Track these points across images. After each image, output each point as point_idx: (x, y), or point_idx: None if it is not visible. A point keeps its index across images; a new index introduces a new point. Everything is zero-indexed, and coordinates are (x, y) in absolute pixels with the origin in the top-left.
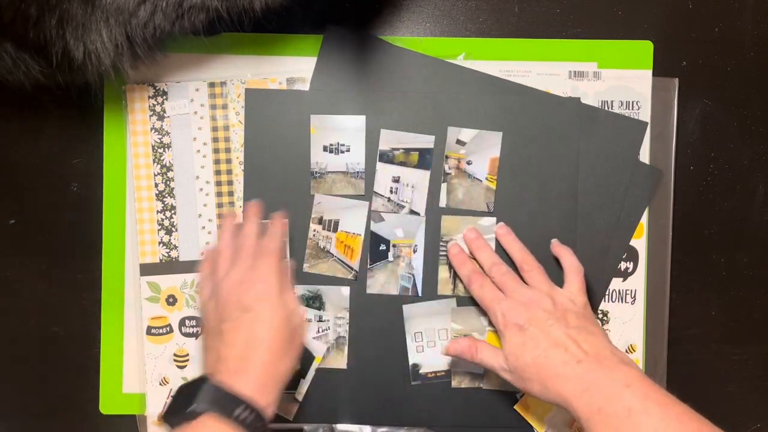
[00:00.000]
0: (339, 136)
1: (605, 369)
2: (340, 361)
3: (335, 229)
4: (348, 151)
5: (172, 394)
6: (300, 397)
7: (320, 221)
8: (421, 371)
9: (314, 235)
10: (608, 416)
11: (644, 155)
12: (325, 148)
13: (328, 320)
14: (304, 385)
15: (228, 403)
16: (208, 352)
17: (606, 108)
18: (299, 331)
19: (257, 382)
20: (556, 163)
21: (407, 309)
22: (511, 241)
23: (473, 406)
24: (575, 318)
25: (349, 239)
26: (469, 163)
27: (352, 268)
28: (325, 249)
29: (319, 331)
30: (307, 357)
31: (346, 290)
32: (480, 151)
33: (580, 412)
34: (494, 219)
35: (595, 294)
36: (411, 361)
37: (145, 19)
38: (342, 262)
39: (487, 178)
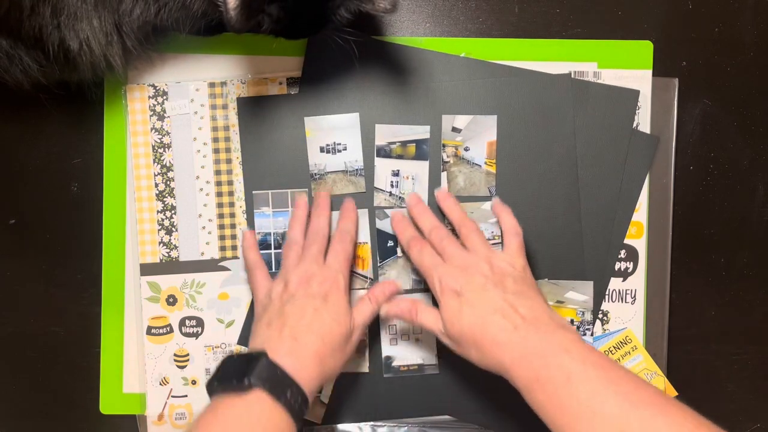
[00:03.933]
0: (334, 136)
1: (543, 334)
2: (362, 365)
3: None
4: (345, 149)
5: (219, 362)
6: (326, 399)
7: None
8: (393, 364)
9: None
10: (546, 383)
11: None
12: (321, 149)
13: None
14: (329, 387)
15: (281, 384)
16: (263, 328)
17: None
18: (355, 337)
19: (307, 369)
20: (553, 141)
21: None
22: (451, 205)
23: (454, 397)
24: (513, 283)
25: (357, 249)
26: (466, 149)
27: (367, 277)
28: None
29: None
30: None
31: (363, 294)
32: (476, 136)
33: (518, 380)
34: (490, 203)
35: (604, 269)
36: (384, 354)
37: (130, 5)
38: (356, 273)
39: (486, 163)
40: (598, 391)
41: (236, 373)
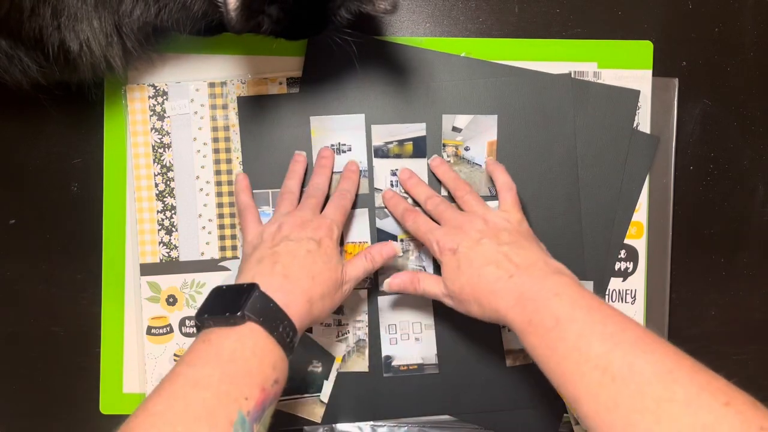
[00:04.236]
0: (340, 136)
1: (536, 279)
2: (361, 364)
3: (342, 243)
4: (350, 150)
5: (208, 294)
6: (325, 399)
7: None
8: (393, 364)
9: None
10: (537, 327)
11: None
12: None
13: (347, 324)
14: (328, 386)
15: (274, 318)
16: (253, 264)
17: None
18: (346, 288)
19: (297, 306)
20: (553, 141)
21: (382, 301)
22: (445, 171)
23: (454, 397)
24: (508, 235)
25: (357, 249)
26: (466, 149)
27: (366, 277)
28: None
29: (338, 336)
30: (328, 359)
31: (363, 293)
32: (476, 135)
33: (514, 325)
34: (498, 202)
35: (603, 269)
36: (383, 353)
37: (130, 6)
38: None
39: (486, 163)
40: (584, 333)
41: (228, 305)
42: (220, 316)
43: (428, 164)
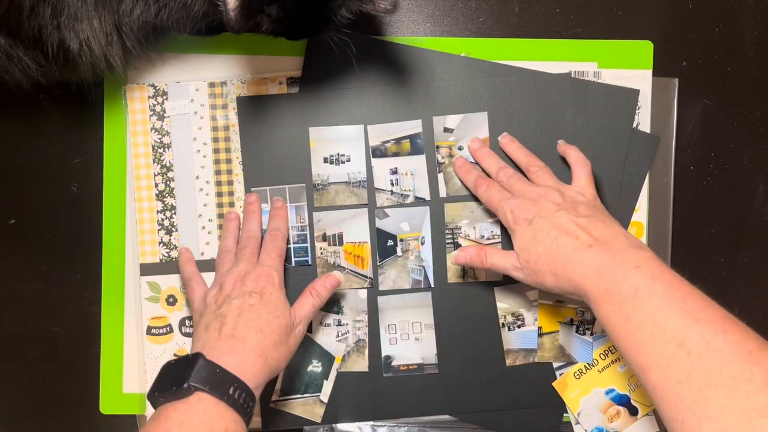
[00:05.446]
0: (339, 147)
1: (616, 252)
2: (361, 363)
3: (341, 243)
4: (348, 161)
5: (158, 370)
6: (325, 398)
7: (324, 238)
8: (393, 363)
9: (322, 253)
10: (614, 296)
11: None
12: (325, 160)
13: (347, 324)
14: (328, 386)
15: (223, 383)
16: (201, 331)
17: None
18: (298, 330)
19: (250, 364)
20: (553, 141)
21: (382, 300)
22: (516, 148)
23: (454, 396)
24: (585, 208)
25: (357, 249)
26: (460, 148)
27: (366, 276)
28: (335, 264)
29: (338, 336)
30: (328, 358)
31: (363, 293)
32: (468, 134)
33: (588, 293)
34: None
35: None
36: (383, 353)
37: (130, 6)
38: (355, 272)
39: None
40: (663, 306)
41: (175, 379)
42: (169, 391)
43: (498, 141)
